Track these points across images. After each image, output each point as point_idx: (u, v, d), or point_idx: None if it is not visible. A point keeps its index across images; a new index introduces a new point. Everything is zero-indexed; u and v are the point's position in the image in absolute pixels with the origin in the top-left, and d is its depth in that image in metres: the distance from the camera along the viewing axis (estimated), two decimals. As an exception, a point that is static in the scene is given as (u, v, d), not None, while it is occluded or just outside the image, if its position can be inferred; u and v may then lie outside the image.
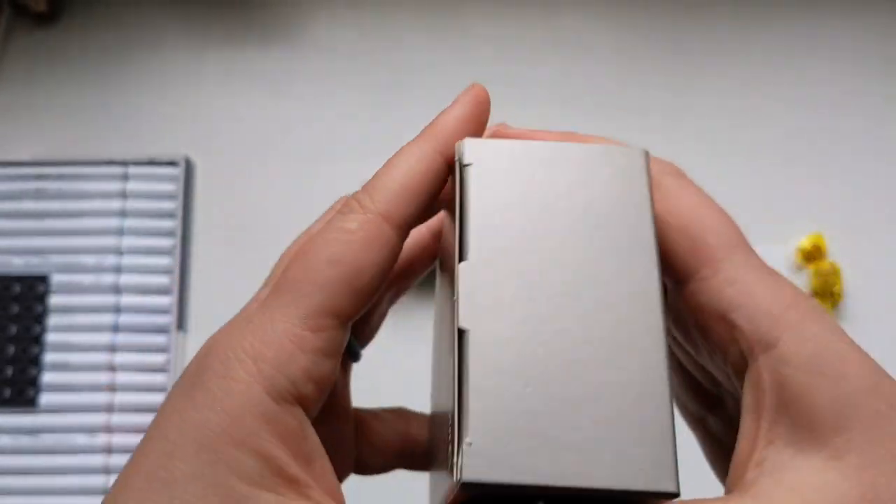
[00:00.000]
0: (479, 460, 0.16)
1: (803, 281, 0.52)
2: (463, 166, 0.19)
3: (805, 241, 0.53)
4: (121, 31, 0.60)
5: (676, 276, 0.20)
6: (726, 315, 0.19)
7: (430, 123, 0.20)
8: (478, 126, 0.21)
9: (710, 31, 0.60)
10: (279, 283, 0.18)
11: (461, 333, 0.17)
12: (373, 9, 0.60)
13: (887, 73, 0.58)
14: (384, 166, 0.20)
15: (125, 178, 0.54)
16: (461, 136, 0.20)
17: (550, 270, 0.18)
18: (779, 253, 0.53)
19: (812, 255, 0.53)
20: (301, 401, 0.17)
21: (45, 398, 0.50)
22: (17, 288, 0.52)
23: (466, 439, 0.16)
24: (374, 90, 0.58)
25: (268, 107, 0.58)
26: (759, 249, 0.20)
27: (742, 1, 0.60)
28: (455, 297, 0.17)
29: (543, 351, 0.17)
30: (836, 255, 0.53)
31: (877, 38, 0.59)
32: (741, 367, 0.19)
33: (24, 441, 0.50)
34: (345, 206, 0.19)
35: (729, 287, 0.19)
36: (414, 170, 0.19)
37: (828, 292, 0.52)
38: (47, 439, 0.50)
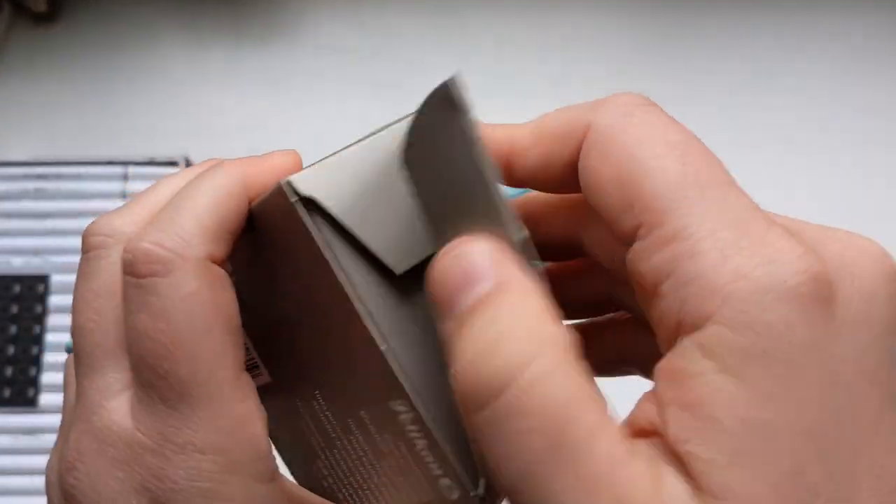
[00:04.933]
0: None
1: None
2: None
3: (805, 241, 0.53)
4: (121, 30, 0.60)
5: (621, 242, 0.16)
6: (657, 286, 0.14)
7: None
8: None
9: (710, 31, 0.60)
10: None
11: None
12: (374, 7, 0.60)
13: (890, 72, 0.58)
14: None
15: (125, 178, 0.54)
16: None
17: None
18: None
19: (812, 254, 0.52)
20: None
21: (44, 398, 0.50)
22: (17, 288, 0.52)
23: None
24: (375, 89, 0.58)
25: (267, 106, 0.58)
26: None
27: None
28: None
29: None
30: (837, 254, 0.53)
31: (878, 36, 0.59)
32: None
33: (24, 441, 0.50)
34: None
35: (664, 247, 0.14)
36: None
37: (828, 292, 0.52)
38: (47, 439, 0.50)
